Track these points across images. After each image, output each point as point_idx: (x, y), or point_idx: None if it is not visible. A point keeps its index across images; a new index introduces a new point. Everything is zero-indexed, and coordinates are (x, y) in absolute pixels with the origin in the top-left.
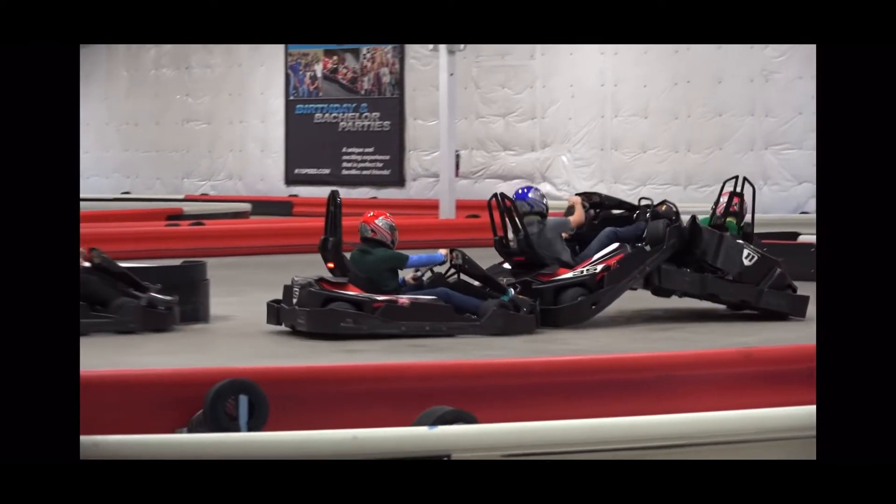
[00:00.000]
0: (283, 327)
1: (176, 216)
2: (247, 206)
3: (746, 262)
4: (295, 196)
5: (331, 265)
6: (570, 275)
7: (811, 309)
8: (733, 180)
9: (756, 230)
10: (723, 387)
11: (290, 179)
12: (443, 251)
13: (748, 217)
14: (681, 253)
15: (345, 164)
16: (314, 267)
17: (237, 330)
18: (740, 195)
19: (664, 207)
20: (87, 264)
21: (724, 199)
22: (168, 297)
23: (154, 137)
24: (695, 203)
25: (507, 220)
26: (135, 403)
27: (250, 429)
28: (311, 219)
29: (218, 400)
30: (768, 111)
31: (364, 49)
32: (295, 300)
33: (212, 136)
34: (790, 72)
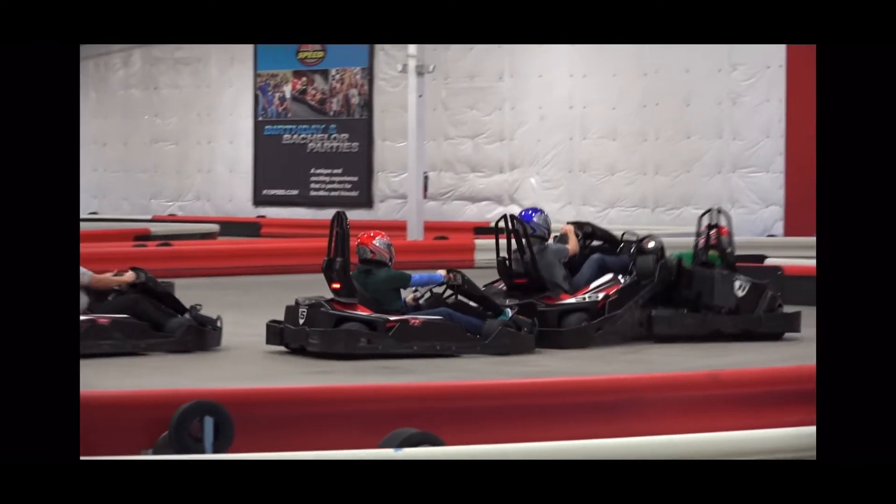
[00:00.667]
0: (277, 348)
1: (143, 237)
2: (215, 227)
3: (740, 293)
4: (263, 217)
5: (336, 286)
6: (573, 300)
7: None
8: (708, 213)
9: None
10: (690, 410)
11: (259, 200)
12: (441, 272)
13: (728, 243)
14: (669, 290)
15: (313, 185)
16: (284, 287)
17: (206, 352)
18: (717, 226)
19: (651, 243)
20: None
21: (704, 233)
22: (212, 316)
23: (122, 158)
24: (662, 226)
25: (513, 241)
26: (101, 425)
27: (215, 450)
28: (279, 240)
29: (183, 421)
30: (736, 134)
31: (333, 70)
32: (302, 320)
33: (180, 156)
34: (758, 95)
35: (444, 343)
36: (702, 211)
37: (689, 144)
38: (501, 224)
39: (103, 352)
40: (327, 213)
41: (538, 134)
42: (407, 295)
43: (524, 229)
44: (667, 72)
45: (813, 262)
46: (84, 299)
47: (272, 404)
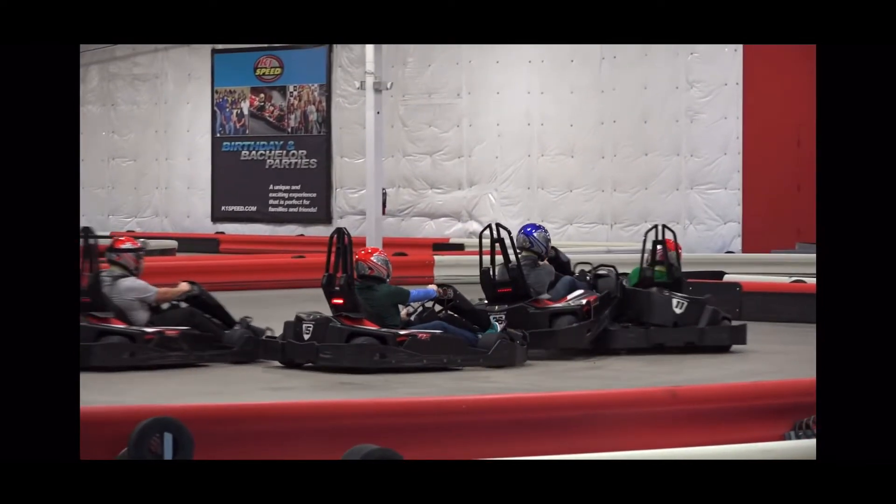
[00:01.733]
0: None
1: (102, 253)
2: (173, 244)
3: (678, 311)
4: (221, 233)
5: (339, 301)
6: (560, 304)
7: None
8: (654, 230)
9: (684, 269)
10: (649, 425)
11: (217, 216)
12: (433, 286)
13: (674, 259)
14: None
15: (272, 202)
16: (244, 304)
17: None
18: (663, 242)
19: (605, 270)
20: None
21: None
22: (262, 328)
23: (80, 174)
24: (620, 242)
25: (501, 251)
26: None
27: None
28: (238, 256)
29: (142, 438)
30: (694, 151)
31: (291, 87)
32: (308, 336)
33: (138, 172)
34: (715, 112)
35: (451, 356)
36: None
37: (647, 161)
38: (487, 233)
39: (170, 363)
40: (286, 230)
41: (496, 150)
42: (402, 310)
43: (510, 237)
44: (624, 89)
45: (770, 279)
46: (144, 315)
47: (231, 420)
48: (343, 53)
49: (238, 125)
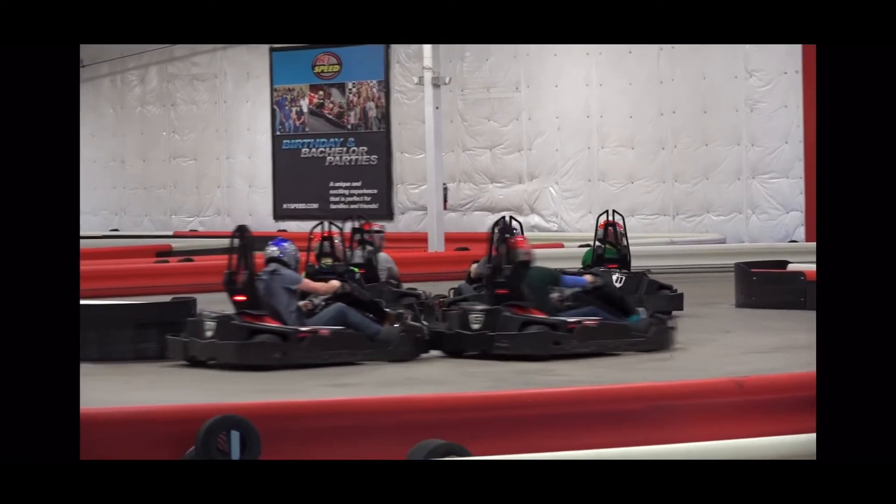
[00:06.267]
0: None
1: (165, 253)
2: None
3: (618, 284)
4: (284, 231)
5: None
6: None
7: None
8: (605, 214)
9: (747, 259)
10: (715, 417)
11: (279, 214)
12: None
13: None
14: None
15: (332, 199)
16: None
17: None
18: (613, 224)
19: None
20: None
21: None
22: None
23: (141, 174)
24: (683, 233)
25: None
26: (129, 440)
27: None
28: (300, 253)
29: (210, 436)
30: (754, 140)
31: (349, 84)
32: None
33: (199, 172)
34: (775, 101)
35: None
36: (723, 217)
37: (708, 151)
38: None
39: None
40: (348, 227)
41: (556, 143)
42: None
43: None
44: (683, 79)
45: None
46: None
47: (298, 417)
48: (401, 49)
49: (297, 123)
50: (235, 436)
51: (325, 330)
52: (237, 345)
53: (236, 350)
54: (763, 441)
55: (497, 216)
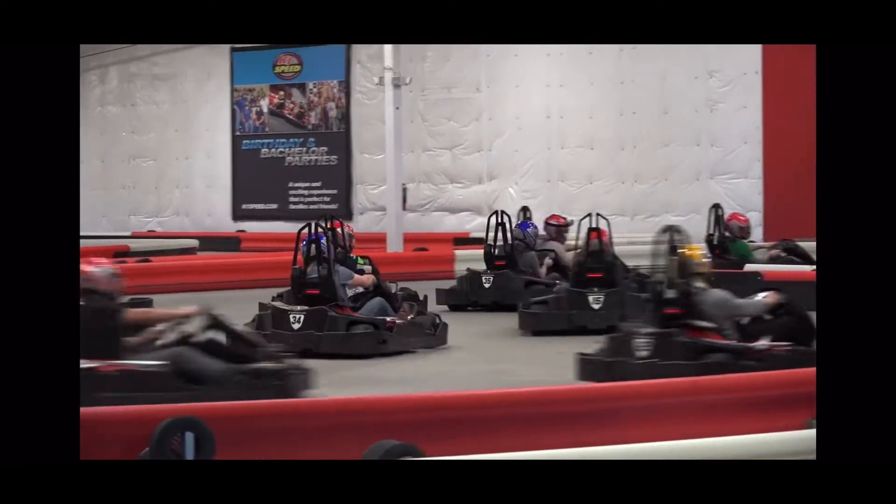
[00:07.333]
0: None
1: (123, 253)
2: (194, 243)
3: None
4: (242, 231)
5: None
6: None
7: None
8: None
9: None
10: (670, 417)
11: (238, 215)
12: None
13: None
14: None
15: (292, 199)
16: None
17: None
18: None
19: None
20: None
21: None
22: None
23: (100, 174)
24: (642, 233)
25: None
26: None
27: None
28: (259, 254)
29: (164, 437)
30: (714, 141)
31: (310, 84)
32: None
33: (158, 172)
34: (735, 102)
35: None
36: (682, 218)
37: (668, 152)
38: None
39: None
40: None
41: (516, 144)
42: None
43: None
44: (643, 80)
45: (792, 267)
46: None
47: (251, 417)
48: (362, 50)
49: (257, 123)
50: (190, 437)
51: (404, 321)
52: (341, 336)
53: (341, 341)
54: (712, 442)
55: (458, 216)
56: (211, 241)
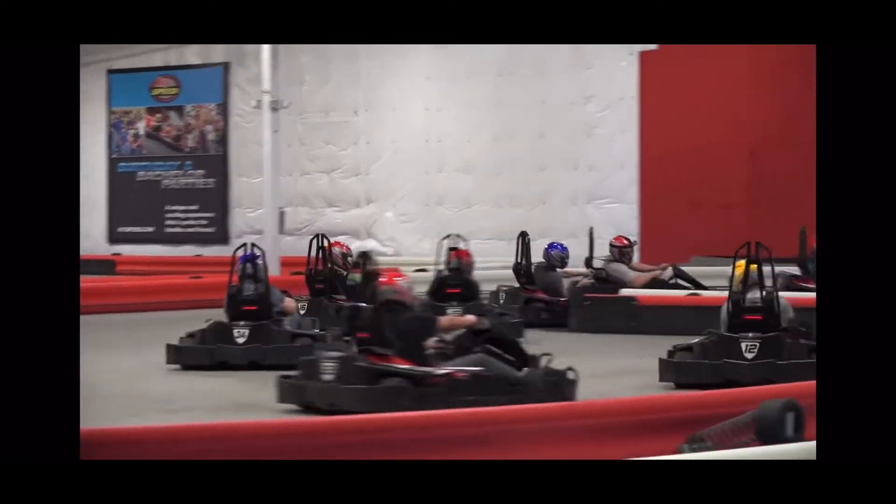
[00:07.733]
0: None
1: None
2: None
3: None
4: (118, 255)
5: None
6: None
7: None
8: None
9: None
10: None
11: (114, 238)
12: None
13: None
14: None
15: (168, 222)
16: (141, 326)
17: None
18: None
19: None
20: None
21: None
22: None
23: (79, 175)
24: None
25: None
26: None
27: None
28: (135, 277)
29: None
30: (591, 166)
31: (188, 106)
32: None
33: None
34: (611, 127)
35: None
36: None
37: (545, 177)
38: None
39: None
40: (184, 251)
41: (393, 168)
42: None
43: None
44: (522, 104)
45: (666, 293)
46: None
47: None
48: (240, 72)
49: (134, 146)
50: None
51: (460, 373)
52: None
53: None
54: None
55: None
56: (86, 265)
